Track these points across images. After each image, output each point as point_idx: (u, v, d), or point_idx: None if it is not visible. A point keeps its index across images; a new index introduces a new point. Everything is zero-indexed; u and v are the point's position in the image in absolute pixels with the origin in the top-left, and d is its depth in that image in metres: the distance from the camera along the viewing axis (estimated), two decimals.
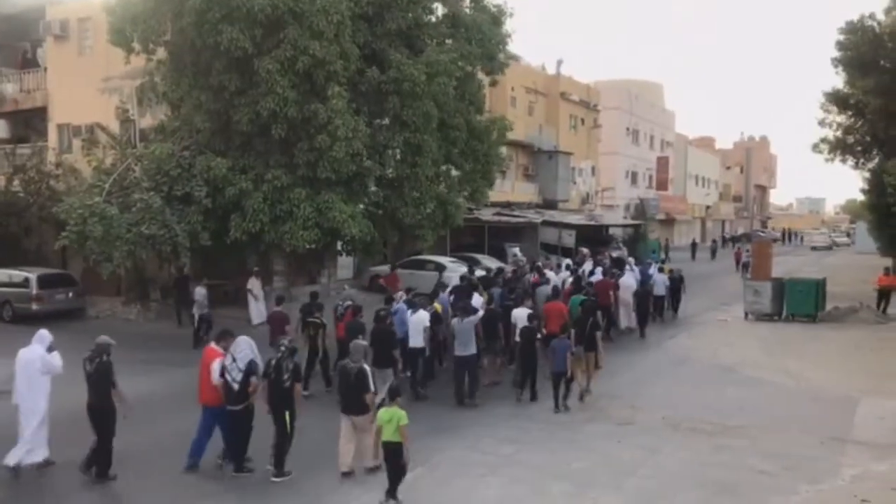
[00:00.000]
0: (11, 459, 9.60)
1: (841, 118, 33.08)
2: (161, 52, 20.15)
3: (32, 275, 21.73)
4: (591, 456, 10.67)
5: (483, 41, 22.62)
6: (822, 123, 33.61)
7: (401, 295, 15.48)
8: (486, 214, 33.29)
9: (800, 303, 22.93)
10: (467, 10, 22.93)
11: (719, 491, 9.40)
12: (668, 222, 65.46)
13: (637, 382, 15.33)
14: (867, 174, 33.54)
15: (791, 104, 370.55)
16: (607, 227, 46.04)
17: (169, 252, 18.39)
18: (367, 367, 9.62)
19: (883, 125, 29.19)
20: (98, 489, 9.44)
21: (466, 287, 17.06)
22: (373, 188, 21.10)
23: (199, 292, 18.27)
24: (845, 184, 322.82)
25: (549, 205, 42.39)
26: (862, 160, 33.46)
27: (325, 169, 18.44)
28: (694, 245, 56.27)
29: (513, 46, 25.20)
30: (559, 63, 47.10)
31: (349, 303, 14.36)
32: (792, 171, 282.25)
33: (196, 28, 17.95)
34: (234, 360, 9.54)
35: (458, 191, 23.19)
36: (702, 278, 32.12)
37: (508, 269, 22.21)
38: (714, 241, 61.56)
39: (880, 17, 30.01)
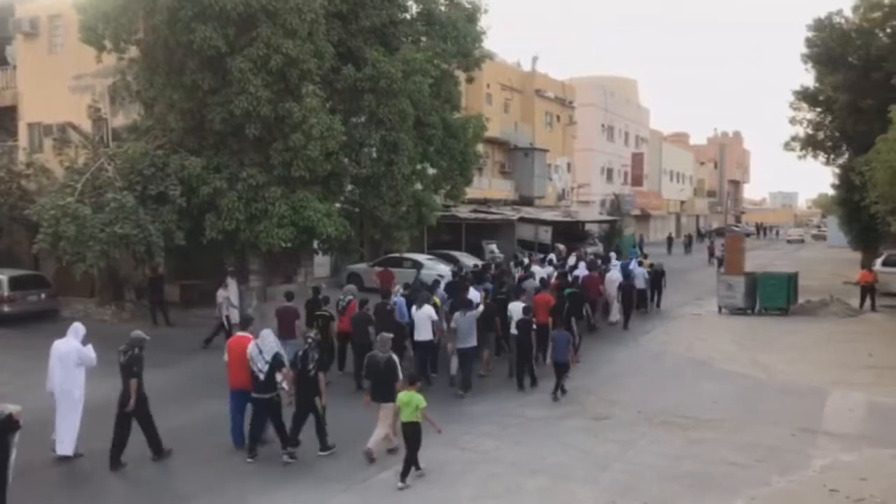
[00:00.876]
0: (68, 449, 10.05)
1: (811, 115, 33.60)
2: (133, 51, 19.93)
3: (3, 276, 21.41)
4: (567, 451, 10.79)
5: (458, 38, 22.61)
6: (793, 120, 34.11)
7: (398, 289, 16.08)
8: (464, 212, 33.37)
9: (772, 297, 23.30)
10: (442, 8, 22.91)
11: (693, 483, 9.55)
12: (644, 218, 66.05)
13: (613, 377, 15.50)
14: (837, 170, 34.10)
15: (764, 100, 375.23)
16: (583, 223, 46.43)
17: (143, 252, 18.20)
18: (395, 357, 10.43)
19: (851, 121, 29.66)
20: (151, 472, 10.09)
21: (460, 282, 17.59)
22: (349, 187, 21.05)
23: (223, 294, 18.13)
24: (817, 178, 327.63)
25: (526, 201, 42.59)
26: (832, 156, 34.00)
27: (300, 168, 18.38)
28: (670, 239, 57.20)
29: (488, 43, 25.26)
30: (534, 60, 47.36)
31: (350, 296, 14.88)
32: (765, 166, 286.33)
33: (168, 26, 17.78)
34: (260, 351, 10.20)
35: (435, 189, 23.21)
36: (677, 272, 32.44)
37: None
38: (688, 236, 62.21)
39: (848, 14, 30.51)
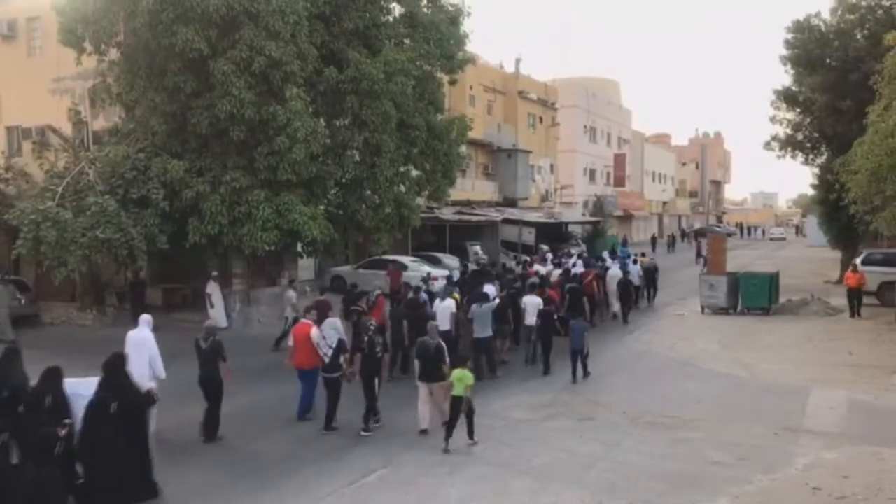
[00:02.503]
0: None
1: (790, 115, 33.84)
2: (114, 53, 19.80)
3: None
4: (553, 452, 10.83)
5: (441, 41, 22.67)
6: (773, 120, 34.37)
7: (418, 286, 17.46)
8: (447, 213, 33.39)
9: (754, 296, 23.49)
10: (425, 10, 22.95)
11: (677, 482, 9.61)
12: (626, 218, 66.38)
13: (598, 377, 15.54)
14: (816, 170, 34.43)
15: (744, 101, 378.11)
16: (566, 224, 46.56)
17: (125, 256, 18.10)
18: (443, 344, 11.70)
19: (830, 122, 29.93)
20: (221, 447, 11.03)
21: (475, 278, 19.67)
22: (333, 190, 21.01)
23: (291, 295, 18.03)
24: (797, 178, 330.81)
25: (509, 203, 42.69)
26: (811, 156, 34.27)
27: (285, 171, 18.32)
28: (654, 239, 57.87)
29: (471, 45, 25.32)
30: (517, 62, 47.51)
31: (378, 292, 16.65)
32: (746, 166, 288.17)
33: (150, 29, 17.67)
34: (324, 337, 11.71)
35: (418, 191, 23.22)
36: (662, 272, 32.56)
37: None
38: (671, 236, 62.65)
39: (826, 16, 30.82)
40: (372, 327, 11.91)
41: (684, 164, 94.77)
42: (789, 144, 33.92)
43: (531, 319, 15.90)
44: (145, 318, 11.63)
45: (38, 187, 19.71)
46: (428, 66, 22.72)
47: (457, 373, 10.82)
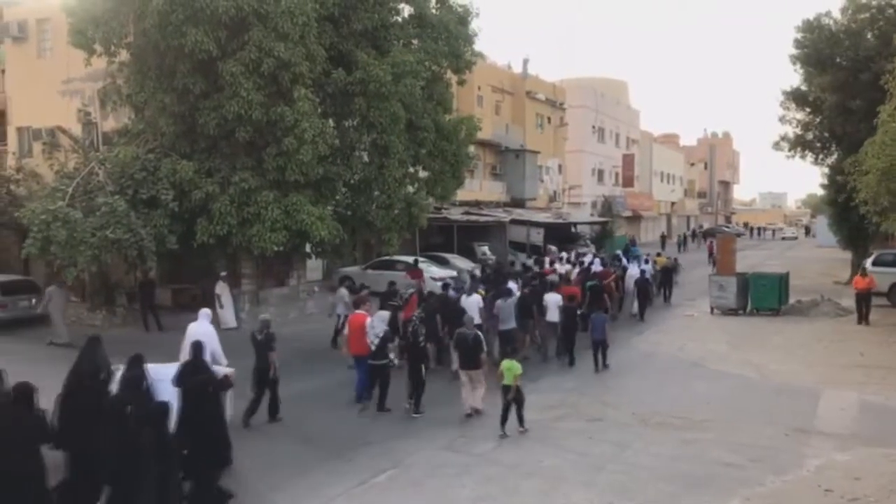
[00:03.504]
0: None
1: (800, 115, 33.69)
2: (123, 54, 19.85)
3: None
4: (562, 453, 10.80)
5: (449, 41, 22.65)
6: (782, 120, 34.22)
7: (446, 283, 18.63)
8: (455, 214, 33.38)
9: (764, 297, 23.39)
10: (433, 11, 22.93)
11: (688, 484, 9.57)
12: (635, 219, 66.22)
13: (606, 378, 15.53)
14: (826, 170, 34.26)
15: (753, 101, 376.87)
16: (575, 224, 46.44)
17: (135, 256, 18.13)
18: (480, 334, 12.73)
19: (840, 121, 29.78)
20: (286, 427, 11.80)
21: (497, 276, 20.78)
22: (342, 190, 21.02)
23: (344, 293, 18.17)
24: (806, 178, 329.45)
25: (517, 203, 42.65)
26: (821, 156, 34.12)
27: (293, 172, 18.34)
28: (663, 238, 58.39)
29: (479, 46, 25.31)
30: (525, 62, 47.46)
31: (412, 290, 17.61)
32: (754, 166, 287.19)
33: (159, 30, 17.70)
34: (371, 326, 12.82)
35: (427, 192, 23.21)
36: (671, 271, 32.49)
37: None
38: (681, 236, 62.62)
39: (836, 15, 30.66)
40: (416, 318, 13.21)
41: (693, 164, 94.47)
42: (799, 144, 33.79)
43: (553, 316, 16.74)
44: (205, 312, 12.64)
45: (48, 188, 19.77)
46: (436, 66, 22.70)
47: (505, 363, 11.58)
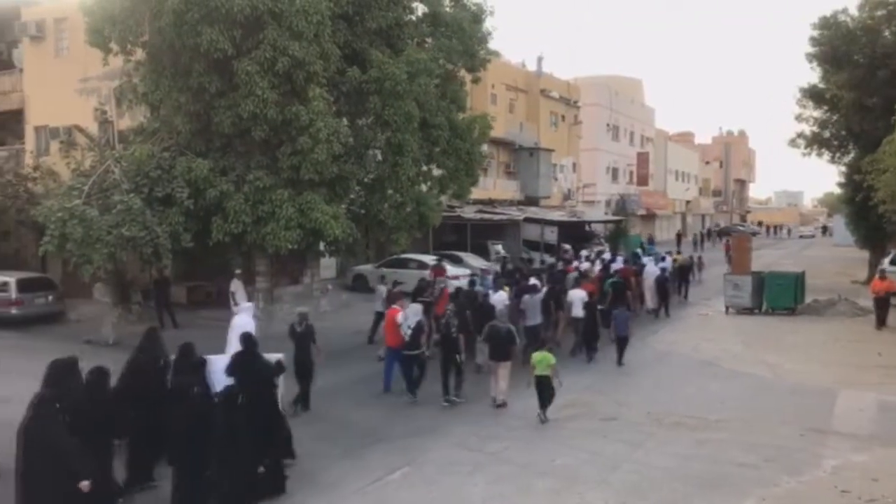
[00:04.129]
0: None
1: (817, 113, 33.42)
2: (139, 53, 19.94)
3: (11, 279, 21.48)
4: (576, 452, 10.77)
5: (464, 39, 22.61)
6: (798, 118, 33.96)
7: (473, 280, 19.37)
8: (469, 212, 33.34)
9: (779, 296, 23.22)
10: (447, 9, 22.90)
11: (703, 484, 9.52)
12: (649, 217, 65.92)
13: (621, 378, 15.49)
14: (843, 168, 33.98)
15: (769, 98, 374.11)
16: (589, 223, 46.27)
17: (150, 254, 18.22)
18: (513, 328, 13.41)
19: (857, 119, 29.53)
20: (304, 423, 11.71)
21: (522, 272, 21.45)
22: (356, 188, 21.05)
23: (382, 290, 18.49)
24: (823, 177, 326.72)
25: (531, 201, 42.55)
26: (838, 154, 33.85)
27: (307, 171, 18.39)
28: (679, 237, 58.09)
29: (493, 44, 25.23)
30: (539, 60, 47.31)
31: (443, 285, 18.27)
32: (770, 164, 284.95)
33: (175, 29, 17.77)
34: (405, 318, 13.59)
35: (440, 190, 23.21)
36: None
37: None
38: (696, 234, 62.41)
39: (853, 12, 30.38)
40: (449, 311, 13.96)
41: (708, 162, 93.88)
42: (815, 142, 33.53)
43: (578, 312, 17.22)
44: (247, 306, 13.76)
45: (64, 186, 19.91)
46: (450, 64, 22.67)
47: (537, 355, 12.16)
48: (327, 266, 26.91)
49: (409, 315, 13.75)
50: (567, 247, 36.49)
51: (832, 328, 20.94)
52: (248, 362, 9.73)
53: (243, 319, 12.82)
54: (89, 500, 7.41)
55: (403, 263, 26.67)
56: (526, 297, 16.64)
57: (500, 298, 16.52)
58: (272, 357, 10.27)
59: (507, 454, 10.74)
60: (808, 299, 24.20)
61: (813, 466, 10.11)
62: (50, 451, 7.23)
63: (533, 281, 18.45)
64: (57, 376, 8.17)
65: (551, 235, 37.79)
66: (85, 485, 7.25)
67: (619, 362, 16.38)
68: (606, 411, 12.90)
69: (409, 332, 13.46)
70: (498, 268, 24.50)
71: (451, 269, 25.73)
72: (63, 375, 8.23)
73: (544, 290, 17.53)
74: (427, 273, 23.38)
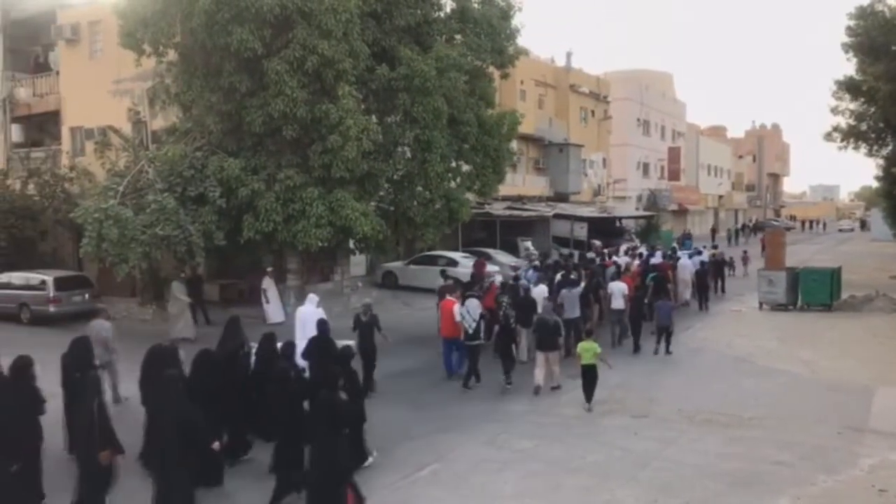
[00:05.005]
0: None
1: (853, 105, 32.75)
2: (171, 54, 20.23)
3: (49, 277, 21.92)
4: (606, 449, 10.71)
5: (492, 35, 22.55)
6: (834, 111, 33.33)
7: (517, 275, 19.93)
8: (498, 209, 33.26)
9: (815, 292, 22.83)
10: (476, 5, 22.85)
11: (735, 482, 9.41)
12: (681, 213, 65.19)
13: (652, 374, 15.35)
14: (881, 161, 33.29)
15: (803, 91, 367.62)
16: (619, 218, 45.89)
17: (184, 252, 18.48)
18: (559, 320, 14.31)
19: (895, 111, 28.90)
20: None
21: (560, 266, 21.87)
22: (385, 185, 21.13)
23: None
24: (860, 170, 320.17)
25: (561, 197, 42.32)
26: (875, 147, 33.16)
27: (338, 168, 18.50)
28: (713, 232, 58.09)
29: (522, 40, 25.11)
30: (569, 55, 47.01)
31: (492, 279, 18.83)
32: (805, 158, 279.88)
33: (206, 29, 18.00)
34: (468, 311, 14.22)
35: (468, 186, 23.21)
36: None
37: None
38: (731, 229, 61.74)
39: (891, 2, 29.70)
40: (504, 303, 14.92)
41: (741, 156, 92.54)
42: (852, 135, 32.87)
43: (619, 304, 17.63)
44: (313, 297, 14.40)
45: (100, 186, 20.26)
46: (479, 61, 22.63)
47: (583, 344, 12.86)
48: (357, 263, 27.05)
49: (471, 308, 14.32)
50: (597, 243, 36.24)
51: (870, 324, 20.54)
52: (323, 346, 10.83)
53: (309, 310, 13.68)
54: (209, 461, 8.76)
55: (433, 260, 26.72)
56: (564, 290, 17.01)
57: (540, 292, 16.83)
58: (342, 342, 11.15)
59: (537, 451, 10.71)
60: (845, 295, 23.77)
61: (849, 465, 9.93)
62: (182, 421, 8.04)
63: (572, 275, 18.96)
64: (170, 360, 9.67)
65: (581, 231, 37.54)
66: (216, 445, 8.64)
67: (668, 351, 16.88)
68: (637, 408, 12.79)
69: (473, 323, 14.09)
70: (537, 262, 24.69)
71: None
72: (170, 360, 9.64)
73: (583, 284, 17.87)
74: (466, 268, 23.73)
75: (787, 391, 13.91)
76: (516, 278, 18.98)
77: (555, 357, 13.87)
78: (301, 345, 11.79)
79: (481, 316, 14.34)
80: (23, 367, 8.66)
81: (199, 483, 8.54)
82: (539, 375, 13.67)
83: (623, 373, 14.84)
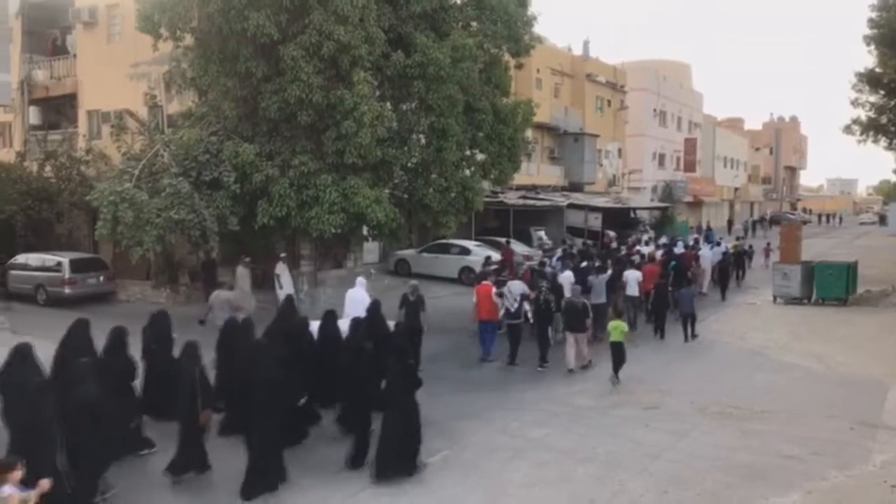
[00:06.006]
0: None
1: (874, 98, 32.38)
2: (188, 39, 20.21)
3: (65, 259, 22.10)
4: (618, 440, 10.70)
5: (508, 23, 22.40)
6: (854, 103, 32.95)
7: (543, 261, 21.04)
8: (512, 198, 33.17)
9: (830, 286, 22.64)
10: None
11: (747, 475, 9.38)
12: (696, 204, 64.78)
13: (665, 366, 15.31)
14: None
15: (823, 83, 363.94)
16: (634, 209, 45.69)
17: (198, 237, 18.54)
18: (588, 303, 15.09)
19: None
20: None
21: (585, 254, 23.12)
22: (399, 174, 21.10)
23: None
24: (878, 164, 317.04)
25: (575, 187, 42.15)
26: (895, 140, 32.80)
27: (352, 155, 18.48)
28: (730, 223, 58.86)
29: (538, 28, 24.91)
30: (586, 44, 46.68)
31: (526, 265, 20.07)
32: (823, 151, 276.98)
33: (222, 14, 17.98)
34: (510, 292, 15.13)
35: (483, 175, 23.13)
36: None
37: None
38: (753, 222, 61.57)
39: None
40: (544, 287, 15.60)
41: (758, 149, 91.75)
42: (871, 128, 32.52)
43: (633, 290, 18.36)
44: (361, 280, 15.12)
45: (115, 169, 20.35)
46: (495, 49, 22.50)
47: (612, 323, 13.90)
48: (370, 250, 27.07)
49: (513, 288, 15.26)
50: (611, 233, 36.11)
51: (885, 320, 20.37)
52: (376, 325, 11.80)
53: (359, 292, 14.54)
54: (293, 422, 9.87)
55: (446, 248, 26.72)
56: (591, 277, 17.79)
57: (566, 277, 17.61)
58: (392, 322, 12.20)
59: (549, 440, 10.71)
60: (861, 290, 23.58)
61: (862, 460, 9.88)
62: (273, 384, 9.02)
63: (598, 263, 19.88)
64: (249, 331, 11.18)
65: (595, 222, 37.40)
66: (303, 400, 10.19)
67: (693, 335, 17.51)
68: (649, 400, 12.77)
69: (515, 304, 15.03)
70: (561, 250, 25.70)
71: (494, 256, 25.86)
72: (249, 332, 11.13)
73: (610, 271, 18.55)
74: (490, 255, 24.18)
75: (801, 385, 13.84)
76: (542, 264, 19.87)
77: (583, 338, 14.67)
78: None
79: (523, 297, 15.19)
80: (121, 335, 10.24)
81: (285, 444, 9.37)
82: (571, 356, 14.58)
83: (635, 365, 14.80)
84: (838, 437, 10.74)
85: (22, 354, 8.81)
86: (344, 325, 11.95)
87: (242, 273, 19.44)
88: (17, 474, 6.56)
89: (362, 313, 12.86)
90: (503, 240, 30.03)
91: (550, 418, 11.71)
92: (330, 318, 11.89)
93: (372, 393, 9.78)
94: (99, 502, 8.41)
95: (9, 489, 6.48)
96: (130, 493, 8.86)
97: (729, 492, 8.93)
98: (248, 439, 8.99)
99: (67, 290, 21.58)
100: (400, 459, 9.30)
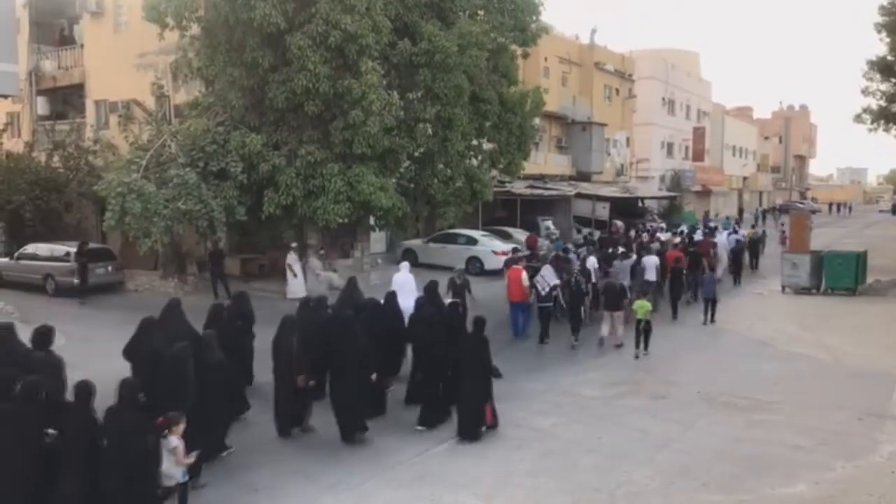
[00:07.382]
0: None
1: (885, 86, 32.11)
2: (195, 28, 20.17)
3: (73, 249, 22.17)
4: (624, 430, 10.70)
5: (515, 12, 22.28)
6: (865, 92, 32.68)
7: (566, 248, 21.95)
8: (519, 188, 33.08)
9: (839, 276, 22.51)
10: None
11: (753, 466, 9.36)
12: (705, 194, 64.48)
13: (672, 356, 15.28)
14: None
15: (833, 72, 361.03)
16: (642, 199, 45.50)
17: (205, 227, 18.57)
18: (625, 284, 16.70)
19: None
20: None
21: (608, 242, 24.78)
22: (405, 163, 21.06)
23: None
24: (889, 153, 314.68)
25: (583, 177, 42.00)
26: None
27: (360, 144, 18.46)
28: (740, 212, 59.00)
29: (546, 16, 24.79)
30: (593, 32, 46.35)
31: (553, 253, 20.62)
32: (833, 140, 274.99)
33: (229, 4, 17.93)
34: (542, 276, 16.16)
35: (492, 164, 23.05)
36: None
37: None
38: (757, 209, 61.19)
39: None
40: (577, 272, 16.73)
41: (767, 138, 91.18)
42: (883, 117, 32.27)
43: (650, 275, 19.07)
44: (405, 264, 16.16)
45: (123, 159, 20.37)
46: (501, 38, 22.38)
47: (638, 302, 15.15)
48: (377, 240, 27.06)
49: (546, 274, 16.21)
50: (619, 223, 36.00)
51: (894, 310, 20.26)
52: (436, 302, 12.82)
53: (404, 276, 15.41)
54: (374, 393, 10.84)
55: (452, 238, 26.69)
56: (616, 261, 19.43)
57: (591, 263, 18.96)
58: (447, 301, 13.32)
59: (554, 431, 10.72)
60: (870, 279, 23.45)
61: (869, 451, 9.84)
62: (362, 353, 10.23)
63: (622, 250, 21.28)
64: (322, 307, 12.32)
65: (603, 211, 37.29)
66: (374, 377, 10.63)
67: (713, 319, 18.22)
68: (656, 390, 12.76)
69: (547, 287, 15.98)
70: (592, 240, 27.28)
71: (499, 245, 25.86)
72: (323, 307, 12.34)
73: (634, 256, 19.96)
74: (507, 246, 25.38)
75: (808, 376, 13.80)
76: (566, 251, 20.97)
77: (619, 316, 15.73)
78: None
79: (556, 286, 16.27)
80: (220, 311, 11.76)
81: (369, 414, 10.46)
82: (605, 329, 15.86)
83: (643, 356, 14.79)
84: (846, 428, 10.71)
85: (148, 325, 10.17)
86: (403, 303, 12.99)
87: (314, 265, 20.44)
88: (181, 428, 7.47)
89: (409, 294, 13.87)
90: (507, 229, 30.06)
91: (555, 409, 11.71)
92: (391, 297, 12.94)
93: (443, 362, 10.85)
94: (224, 456, 9.41)
95: (175, 440, 7.40)
96: (242, 452, 9.68)
97: (735, 482, 8.92)
98: (335, 403, 10.23)
99: (76, 280, 21.62)
100: (477, 420, 10.34)
